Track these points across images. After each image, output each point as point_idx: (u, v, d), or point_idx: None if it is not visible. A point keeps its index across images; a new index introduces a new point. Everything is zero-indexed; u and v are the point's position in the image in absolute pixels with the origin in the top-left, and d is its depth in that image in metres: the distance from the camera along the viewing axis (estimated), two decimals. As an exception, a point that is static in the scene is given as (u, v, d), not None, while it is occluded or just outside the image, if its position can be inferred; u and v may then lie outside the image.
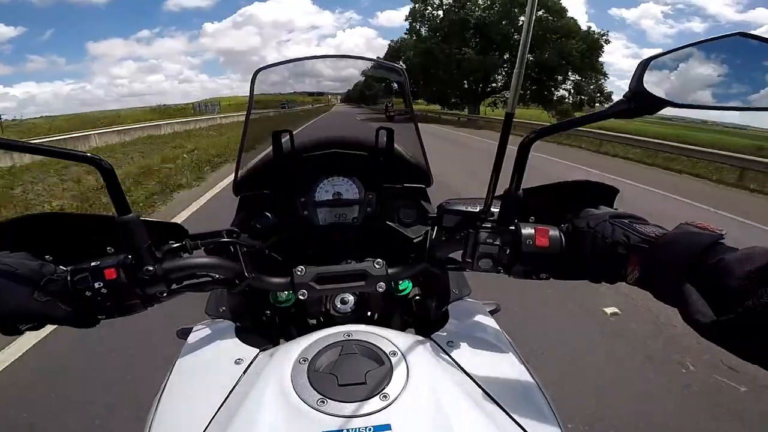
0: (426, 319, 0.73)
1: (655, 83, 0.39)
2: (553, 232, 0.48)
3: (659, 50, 0.42)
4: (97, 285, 0.45)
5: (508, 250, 0.48)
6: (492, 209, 0.49)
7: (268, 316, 0.72)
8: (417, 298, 0.76)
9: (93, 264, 0.46)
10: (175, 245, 0.53)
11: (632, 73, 0.40)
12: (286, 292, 0.69)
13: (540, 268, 0.49)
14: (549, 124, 0.47)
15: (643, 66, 0.39)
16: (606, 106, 0.46)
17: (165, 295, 0.49)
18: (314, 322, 0.68)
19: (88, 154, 0.43)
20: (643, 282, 0.40)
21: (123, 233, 0.45)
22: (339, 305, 0.67)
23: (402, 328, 0.74)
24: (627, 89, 0.40)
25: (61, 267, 0.47)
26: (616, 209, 0.51)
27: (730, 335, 0.31)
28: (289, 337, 0.70)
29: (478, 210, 0.52)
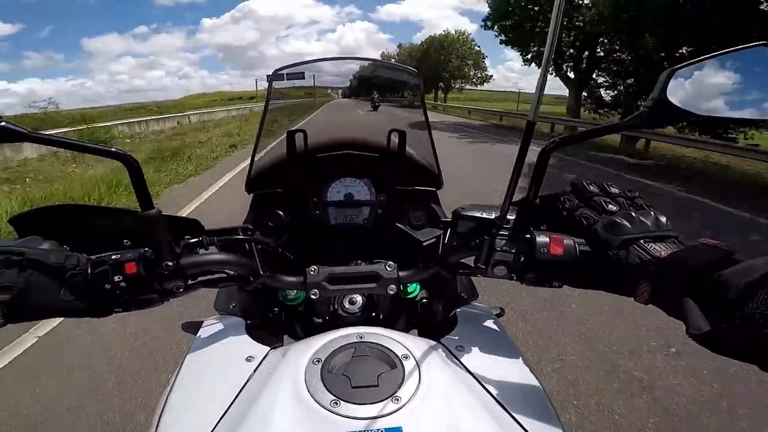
0: (432, 321, 0.73)
1: (676, 94, 0.39)
2: (568, 242, 0.47)
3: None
4: (116, 279, 0.44)
5: (522, 258, 0.48)
6: (508, 216, 0.49)
7: (276, 313, 0.72)
8: (424, 300, 0.75)
9: (114, 257, 0.45)
10: (192, 240, 0.54)
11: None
12: (295, 291, 0.69)
13: (553, 276, 0.48)
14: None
15: (667, 76, 0.39)
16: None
17: (182, 290, 0.49)
18: (320, 320, 0.68)
19: (114, 149, 0.42)
20: (653, 300, 0.41)
21: (145, 228, 0.45)
22: (347, 305, 0.66)
23: (407, 330, 0.74)
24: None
25: (81, 257, 0.46)
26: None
27: (723, 344, 0.32)
28: (295, 335, 0.72)
29: (493, 217, 0.51)
